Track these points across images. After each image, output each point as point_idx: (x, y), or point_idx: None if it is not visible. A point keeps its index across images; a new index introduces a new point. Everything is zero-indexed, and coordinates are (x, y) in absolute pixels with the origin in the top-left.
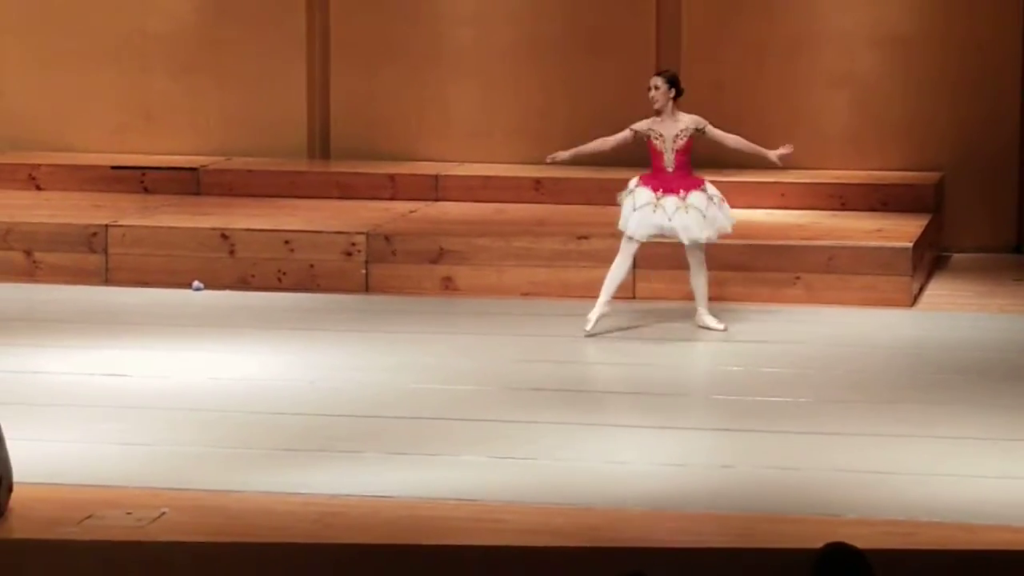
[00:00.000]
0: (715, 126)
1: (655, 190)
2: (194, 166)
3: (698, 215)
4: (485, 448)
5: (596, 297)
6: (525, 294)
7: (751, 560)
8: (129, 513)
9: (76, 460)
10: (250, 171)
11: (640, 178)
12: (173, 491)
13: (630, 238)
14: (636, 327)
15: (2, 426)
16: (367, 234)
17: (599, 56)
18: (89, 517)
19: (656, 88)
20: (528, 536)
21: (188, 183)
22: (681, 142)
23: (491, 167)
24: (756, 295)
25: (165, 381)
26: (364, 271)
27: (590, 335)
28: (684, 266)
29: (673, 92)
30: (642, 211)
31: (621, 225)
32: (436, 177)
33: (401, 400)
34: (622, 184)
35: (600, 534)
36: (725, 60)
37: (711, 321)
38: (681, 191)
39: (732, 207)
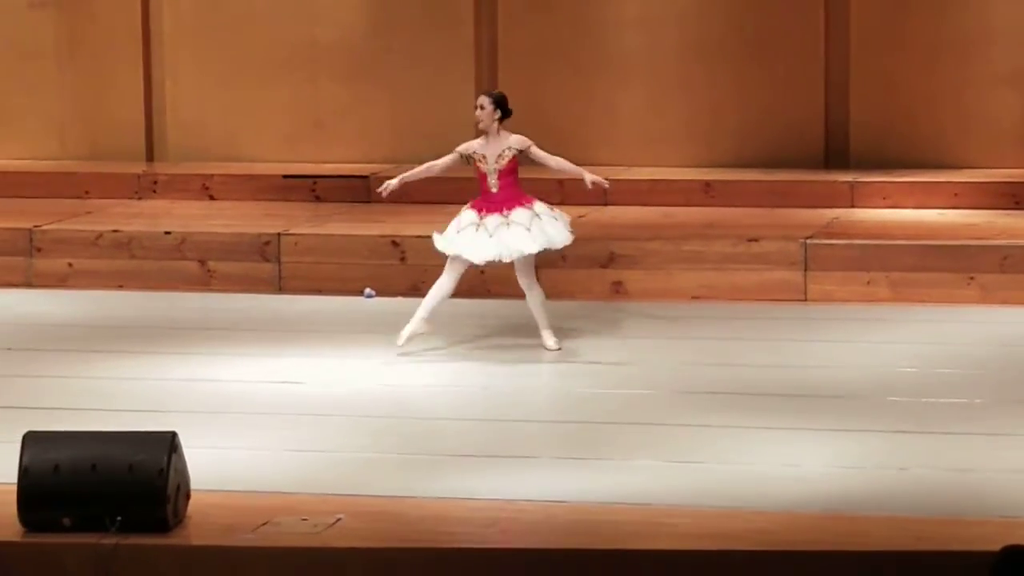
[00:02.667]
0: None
1: (479, 211)
2: (365, 174)
3: (521, 230)
4: (657, 452)
5: (766, 300)
6: (695, 297)
7: (927, 563)
8: (305, 519)
9: (252, 467)
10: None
11: (471, 203)
12: (348, 497)
13: (455, 257)
14: (807, 329)
15: (179, 434)
16: None
17: (767, 57)
18: (265, 523)
19: (482, 108)
20: (701, 540)
21: (359, 191)
22: (503, 162)
23: (660, 171)
24: (930, 296)
25: (339, 388)
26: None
27: (402, 352)
28: (856, 267)
29: (499, 113)
30: (466, 232)
31: (443, 247)
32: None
33: (573, 405)
34: (792, 186)
35: (773, 537)
36: (895, 59)
37: (549, 342)
38: (504, 209)
39: (903, 207)
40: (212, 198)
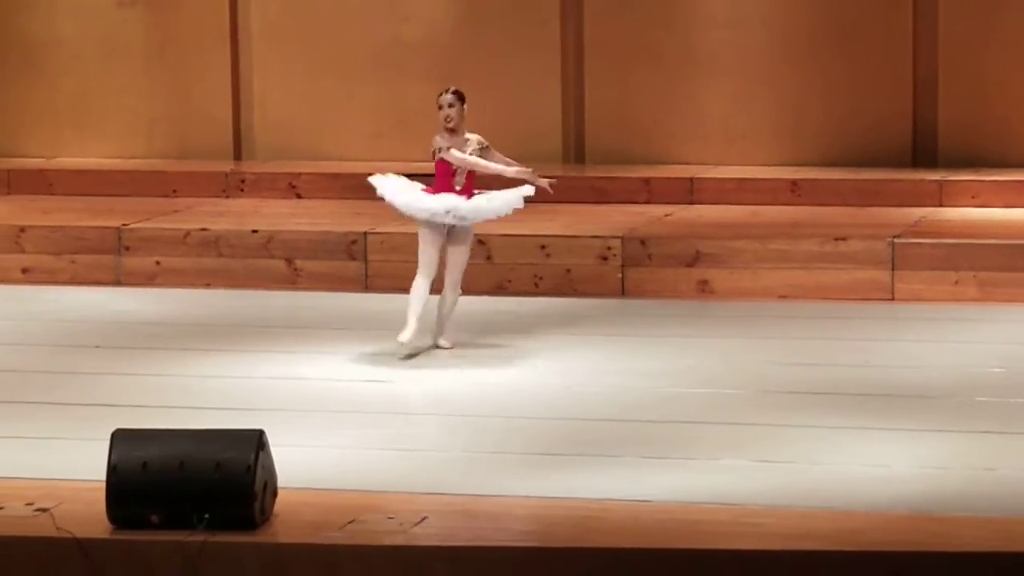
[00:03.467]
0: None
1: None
2: None
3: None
4: (743, 452)
5: (853, 300)
6: (782, 296)
7: (1016, 564)
8: (391, 518)
9: (339, 465)
10: (505, 177)
11: (424, 189)
12: (434, 496)
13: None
14: (894, 329)
15: (266, 432)
16: (623, 238)
17: (854, 55)
18: (352, 522)
19: (451, 106)
20: (788, 540)
21: None
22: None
23: (746, 169)
24: (1018, 295)
25: (425, 386)
26: (620, 275)
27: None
28: (944, 266)
29: (465, 109)
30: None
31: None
32: (691, 180)
33: (659, 404)
34: (879, 184)
35: (861, 538)
36: (984, 55)
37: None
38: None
39: (992, 206)
40: (299, 196)
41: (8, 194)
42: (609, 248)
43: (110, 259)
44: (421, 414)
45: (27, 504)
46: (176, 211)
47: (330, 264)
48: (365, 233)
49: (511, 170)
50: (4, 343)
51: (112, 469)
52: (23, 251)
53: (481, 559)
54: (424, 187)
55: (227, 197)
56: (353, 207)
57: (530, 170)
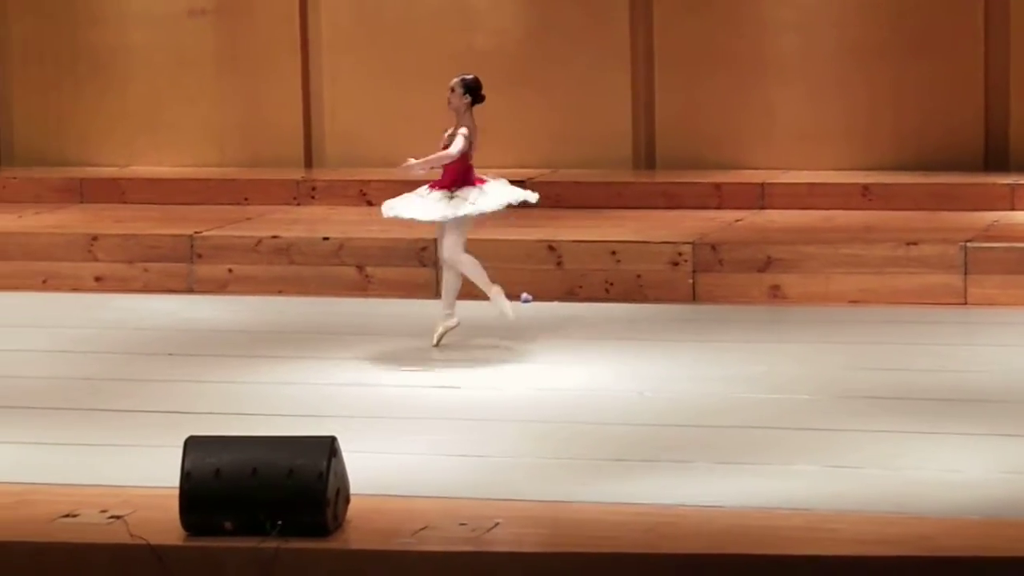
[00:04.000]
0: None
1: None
2: (521, 178)
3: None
4: (816, 457)
5: (926, 304)
6: (854, 301)
7: None
8: (463, 524)
9: (411, 472)
10: (577, 183)
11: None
12: (506, 502)
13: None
14: (968, 333)
15: (338, 438)
16: (694, 244)
17: (926, 58)
18: (424, 528)
19: (451, 90)
20: (861, 546)
21: None
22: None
23: (817, 174)
24: None
25: (496, 393)
26: (691, 280)
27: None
28: (1017, 270)
29: (469, 98)
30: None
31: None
32: (762, 185)
33: (731, 409)
34: (951, 188)
35: (935, 543)
36: None
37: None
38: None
39: None
40: (370, 203)
41: (81, 203)
42: (680, 254)
43: (182, 267)
44: (493, 420)
45: (102, 511)
46: (248, 219)
47: (401, 271)
48: (435, 240)
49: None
50: (78, 351)
51: (186, 476)
52: (96, 259)
53: (553, 565)
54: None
55: (298, 205)
56: None
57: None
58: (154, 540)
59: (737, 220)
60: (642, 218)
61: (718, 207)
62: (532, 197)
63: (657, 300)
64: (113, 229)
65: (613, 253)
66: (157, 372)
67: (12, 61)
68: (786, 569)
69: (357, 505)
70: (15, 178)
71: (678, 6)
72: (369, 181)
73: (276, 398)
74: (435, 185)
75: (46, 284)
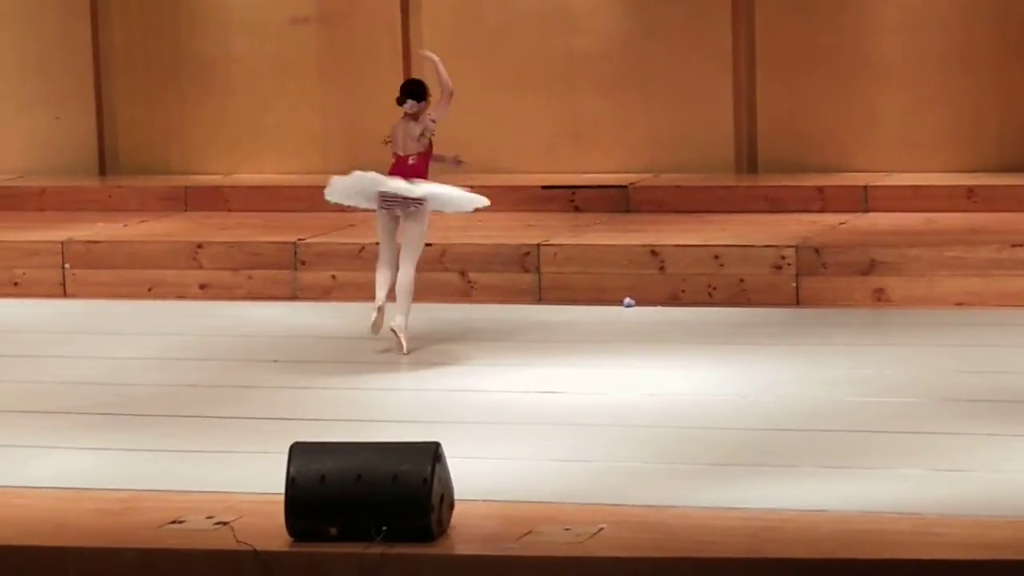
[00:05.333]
0: None
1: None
2: (623, 184)
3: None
4: (922, 460)
5: None
6: (959, 304)
7: None
8: (568, 529)
9: (514, 477)
10: (679, 187)
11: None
12: (610, 507)
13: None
14: None
15: (442, 444)
16: (797, 247)
17: None
18: (528, 533)
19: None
20: (967, 549)
21: (618, 201)
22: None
23: (921, 176)
24: None
25: (600, 398)
26: (795, 284)
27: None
28: None
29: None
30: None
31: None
32: (865, 188)
33: (836, 413)
34: None
35: None
36: None
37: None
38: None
39: None
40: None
41: (186, 211)
42: (783, 257)
43: (286, 274)
44: (597, 425)
45: (207, 517)
46: (351, 225)
47: (504, 276)
48: (538, 245)
49: None
50: (183, 358)
51: (291, 482)
52: (201, 267)
53: (657, 570)
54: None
55: None
56: (526, 219)
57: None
58: (260, 546)
59: (840, 223)
60: (745, 222)
61: (821, 210)
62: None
63: (760, 304)
64: (217, 237)
65: (716, 257)
66: (262, 379)
67: (116, 71)
68: (892, 574)
69: (461, 510)
70: (120, 187)
71: (781, 8)
72: (472, 187)
73: (380, 404)
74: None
75: (152, 292)
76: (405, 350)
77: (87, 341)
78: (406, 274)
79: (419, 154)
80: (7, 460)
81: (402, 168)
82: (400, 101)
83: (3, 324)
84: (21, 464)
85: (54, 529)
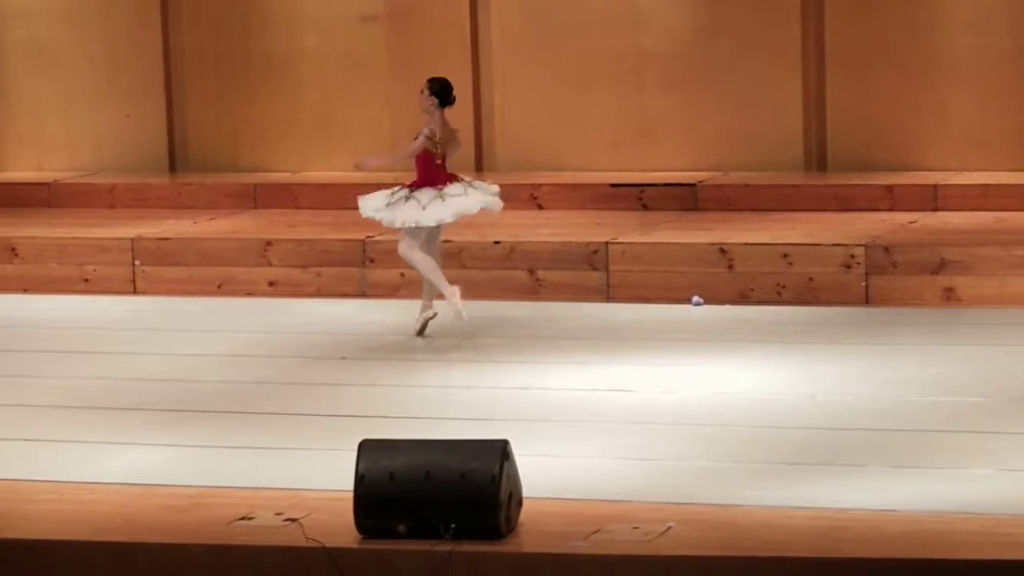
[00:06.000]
0: None
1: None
2: (692, 182)
3: (416, 205)
4: (991, 460)
5: None
6: None
7: None
8: (636, 527)
9: (583, 475)
10: (748, 185)
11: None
12: (679, 505)
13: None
14: None
15: (511, 442)
16: (866, 246)
17: None
18: (597, 531)
19: (421, 93)
20: None
21: (686, 199)
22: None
23: (992, 175)
24: None
25: (668, 396)
26: (864, 283)
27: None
28: None
29: (436, 100)
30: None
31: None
32: (935, 187)
33: (904, 413)
34: None
35: None
36: None
37: (457, 302)
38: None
39: None
40: (540, 207)
41: (255, 208)
42: (852, 256)
43: (355, 271)
44: (665, 423)
45: (277, 514)
46: None
47: (572, 274)
48: (607, 243)
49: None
50: (252, 355)
51: (359, 479)
52: (270, 264)
53: (726, 569)
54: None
55: None
56: (594, 217)
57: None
58: (328, 543)
59: (910, 222)
60: (814, 220)
61: (890, 209)
62: (493, 206)
63: (829, 303)
64: (286, 234)
65: (785, 256)
66: (330, 376)
67: (185, 68)
68: (961, 574)
69: (530, 508)
70: (190, 184)
71: (850, 5)
72: (540, 185)
73: (448, 402)
74: (407, 184)
75: (221, 289)
76: (464, 315)
77: (156, 338)
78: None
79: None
80: (78, 456)
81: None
82: (453, 100)
83: (73, 321)
84: (92, 460)
85: (124, 525)
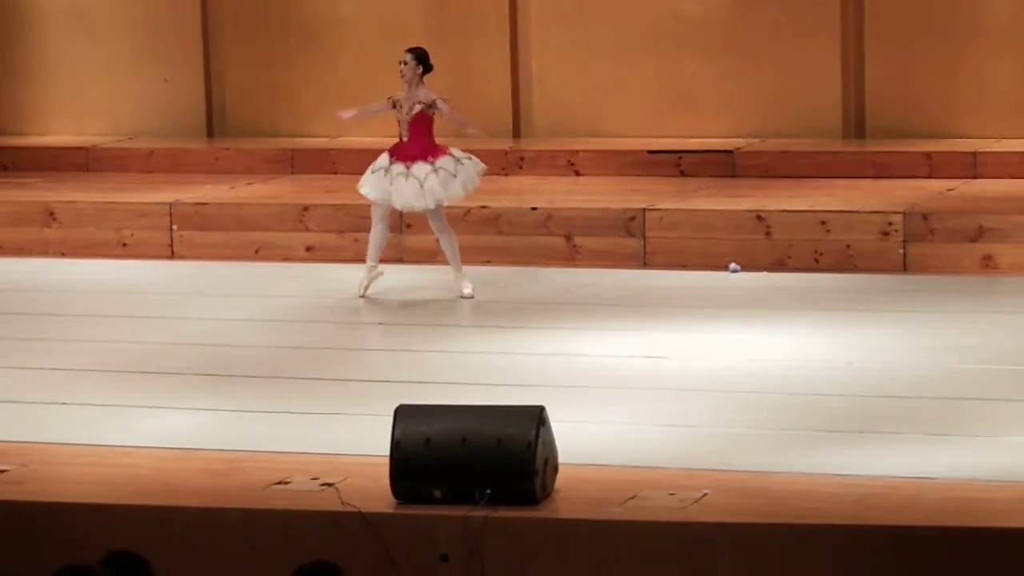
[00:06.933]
0: None
1: (390, 156)
2: (729, 148)
3: (415, 184)
4: None
5: None
6: None
7: None
8: (672, 494)
9: (619, 441)
10: (785, 152)
11: (389, 149)
12: (714, 472)
13: (373, 202)
14: None
15: (547, 408)
16: (904, 213)
17: None
18: (633, 498)
19: (404, 64)
20: None
21: (724, 166)
22: (412, 114)
23: None
24: None
25: (704, 363)
26: (902, 251)
27: (363, 296)
28: None
29: (420, 68)
30: (376, 174)
31: (359, 187)
32: (974, 154)
33: (941, 381)
34: None
35: None
36: None
37: (466, 289)
38: (408, 160)
39: None
40: (577, 174)
41: (292, 173)
42: (890, 223)
43: (392, 237)
44: (701, 390)
45: (313, 479)
46: None
47: (608, 240)
48: (644, 209)
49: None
50: (289, 320)
51: (396, 444)
52: (307, 230)
53: (762, 535)
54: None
55: (506, 175)
56: (631, 184)
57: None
58: (365, 507)
59: (949, 189)
60: (852, 187)
61: (928, 176)
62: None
63: (867, 270)
64: (324, 199)
65: (823, 223)
66: (367, 341)
67: (224, 34)
68: (997, 541)
69: (565, 474)
70: (228, 149)
71: None
72: (577, 151)
73: (484, 367)
74: (410, 157)
75: (258, 254)
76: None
77: (194, 303)
78: (453, 237)
79: None
80: (116, 420)
81: None
82: (431, 68)
83: (112, 285)
84: (129, 424)
85: (161, 489)
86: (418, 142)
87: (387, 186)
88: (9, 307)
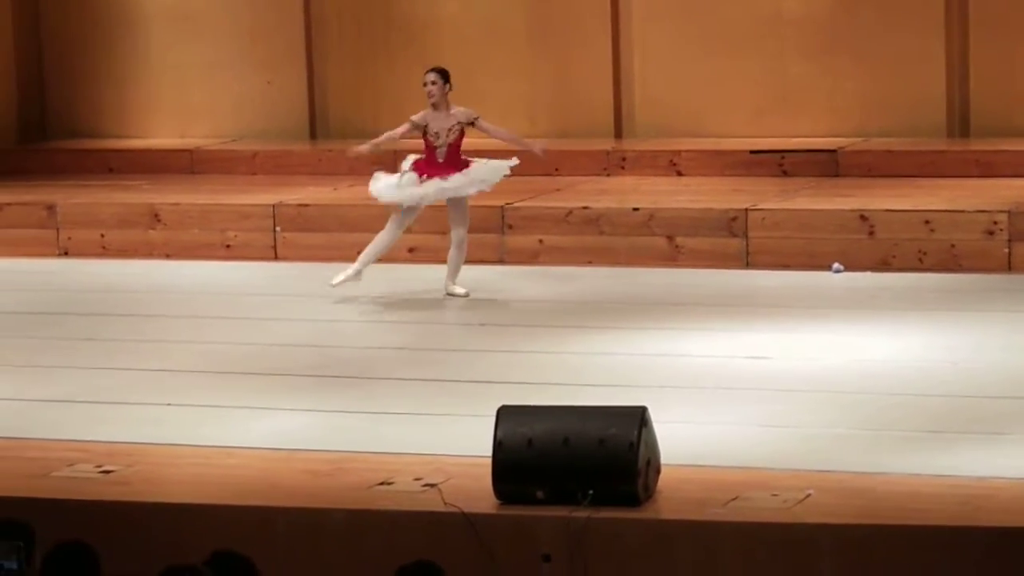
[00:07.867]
0: None
1: (421, 174)
2: (832, 148)
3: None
4: None
5: None
6: None
7: None
8: (775, 495)
9: (721, 442)
10: (889, 151)
11: (414, 163)
12: (818, 473)
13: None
14: None
15: (649, 409)
16: (1009, 212)
17: None
18: (735, 498)
19: (433, 83)
20: None
21: (827, 165)
22: (453, 136)
23: None
24: None
25: (808, 363)
26: (1007, 250)
27: (334, 286)
28: None
29: (448, 87)
30: (405, 185)
31: (375, 193)
32: None
33: None
34: None
35: None
36: None
37: (459, 290)
38: (443, 175)
39: None
40: (679, 174)
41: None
42: (995, 223)
43: (494, 238)
44: (804, 390)
45: (416, 479)
46: (558, 190)
47: (711, 241)
48: (746, 209)
49: (517, 142)
50: (391, 321)
51: (498, 445)
52: (409, 231)
53: (866, 537)
54: (416, 160)
55: (608, 175)
56: (734, 184)
57: (526, 141)
58: (467, 508)
59: None
60: (956, 187)
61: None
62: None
63: (971, 270)
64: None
65: (927, 222)
66: (469, 342)
67: (327, 35)
68: None
69: (668, 475)
70: (331, 150)
71: None
72: (679, 151)
73: (586, 368)
74: (444, 172)
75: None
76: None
77: (297, 304)
78: (464, 250)
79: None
80: (220, 421)
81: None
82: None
83: (215, 286)
84: (233, 425)
85: (265, 489)
86: (454, 161)
87: (421, 191)
88: (114, 308)
